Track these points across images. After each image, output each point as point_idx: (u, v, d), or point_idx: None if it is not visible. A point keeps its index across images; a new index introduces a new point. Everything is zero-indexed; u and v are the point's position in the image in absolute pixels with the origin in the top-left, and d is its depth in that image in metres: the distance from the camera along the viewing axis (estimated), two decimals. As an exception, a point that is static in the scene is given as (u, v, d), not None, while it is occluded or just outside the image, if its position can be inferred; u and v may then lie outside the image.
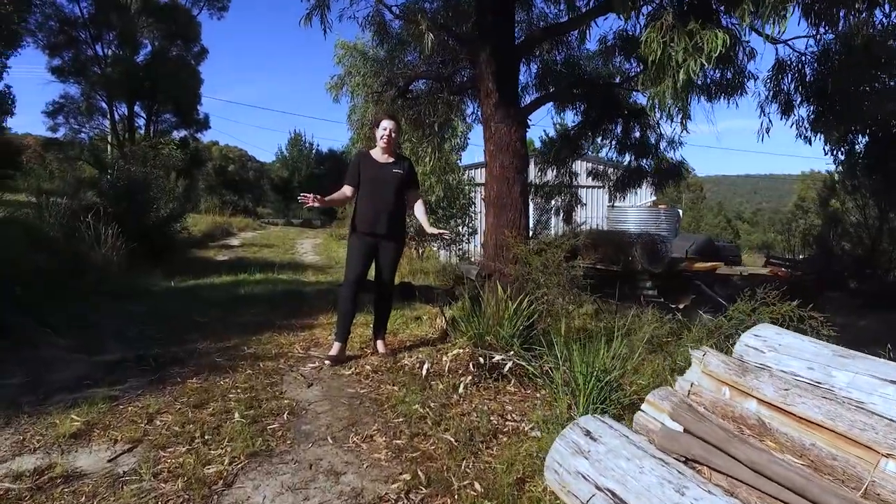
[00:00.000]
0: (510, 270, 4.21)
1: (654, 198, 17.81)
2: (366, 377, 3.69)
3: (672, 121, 3.72)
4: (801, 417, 1.48)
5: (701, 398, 1.82)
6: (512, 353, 3.70)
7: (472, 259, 13.12)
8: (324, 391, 3.44)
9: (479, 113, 6.38)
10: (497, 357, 3.57)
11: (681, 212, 19.61)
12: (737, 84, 5.40)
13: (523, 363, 3.59)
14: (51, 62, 25.22)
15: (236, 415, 2.92)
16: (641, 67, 6.12)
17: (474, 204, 12.80)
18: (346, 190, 4.03)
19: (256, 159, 51.24)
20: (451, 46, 6.09)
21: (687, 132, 3.72)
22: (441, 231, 4.12)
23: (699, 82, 4.91)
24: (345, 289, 4.00)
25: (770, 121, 5.18)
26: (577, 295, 4.11)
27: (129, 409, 2.99)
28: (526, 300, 4.02)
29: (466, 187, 12.49)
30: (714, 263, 5.31)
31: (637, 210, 16.28)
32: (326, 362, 3.92)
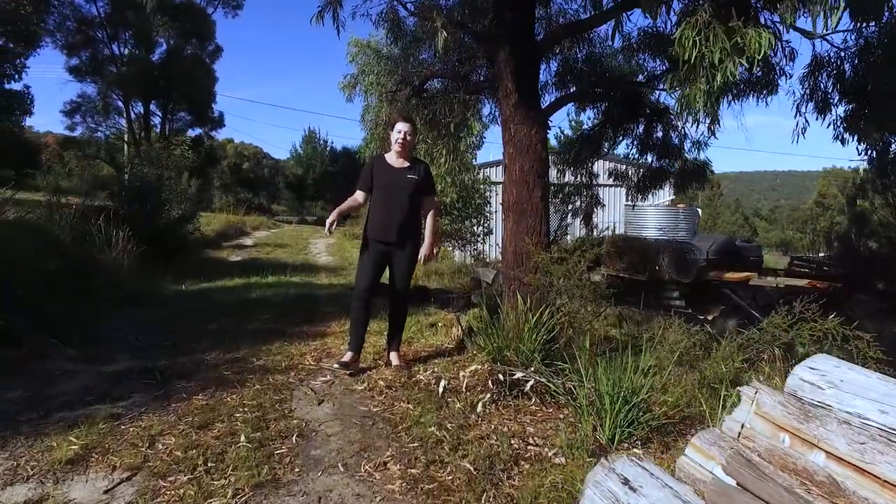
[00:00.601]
0: (530, 280, 4.00)
1: (672, 197, 17.46)
2: (379, 393, 3.52)
3: (698, 125, 3.48)
4: (885, 481, 1.27)
5: (754, 444, 1.61)
6: (532, 369, 3.50)
7: (488, 260, 12.91)
8: (335, 409, 3.28)
9: (497, 113, 6.19)
10: (518, 374, 3.37)
11: (700, 211, 19.17)
12: (767, 82, 5.14)
13: (545, 381, 3.39)
14: (69, 62, 25.49)
15: (242, 437, 2.76)
16: (667, 66, 5.90)
17: (490, 203, 12.58)
18: (358, 196, 3.86)
19: (271, 156, 51.53)
20: (467, 44, 5.88)
21: (715, 137, 3.48)
22: (425, 255, 3.94)
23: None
24: (356, 298, 3.84)
25: (807, 121, 4.91)
26: (600, 305, 3.90)
27: (131, 429, 2.84)
28: (547, 312, 3.82)
29: (482, 186, 12.26)
30: (747, 274, 5.03)
31: (655, 210, 15.94)
32: (335, 366, 3.77)
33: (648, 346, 3.60)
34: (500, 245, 4.81)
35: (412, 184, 3.82)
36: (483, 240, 12.59)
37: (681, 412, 3.40)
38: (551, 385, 3.38)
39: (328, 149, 38.51)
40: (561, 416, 3.32)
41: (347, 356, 3.82)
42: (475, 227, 12.19)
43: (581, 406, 3.20)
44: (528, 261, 4.12)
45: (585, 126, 8.19)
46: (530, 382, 3.34)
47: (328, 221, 3.71)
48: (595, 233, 9.04)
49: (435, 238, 4.05)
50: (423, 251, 3.92)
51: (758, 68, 4.91)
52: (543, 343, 3.71)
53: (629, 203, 16.53)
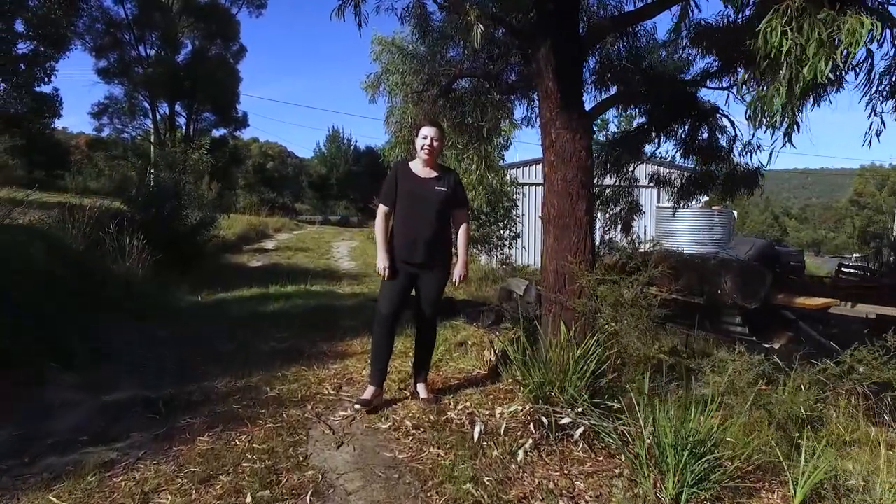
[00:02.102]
0: (574, 304, 3.56)
1: (705, 198, 16.71)
2: (405, 435, 3.11)
3: (774, 130, 2.97)
4: None
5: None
6: (580, 409, 3.06)
7: (515, 265, 12.45)
8: (356, 455, 2.88)
9: (534, 115, 5.75)
10: (566, 419, 2.94)
11: (735, 213, 18.35)
12: (834, 79, 4.59)
13: (596, 424, 2.95)
14: (97, 64, 25.77)
15: (249, 498, 2.38)
16: (719, 64, 5.38)
17: (517, 207, 12.11)
18: (383, 210, 3.45)
19: (295, 155, 51.80)
20: (499, 41, 5.45)
21: (793, 146, 2.97)
22: (460, 276, 3.51)
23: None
24: (378, 326, 3.42)
25: (883, 122, 4.35)
26: (655, 333, 3.44)
27: (123, 483, 2.48)
28: (593, 342, 3.37)
29: (509, 189, 11.77)
30: (826, 300, 4.46)
31: (689, 212, 15.24)
32: (357, 406, 3.36)
33: (718, 390, 3.13)
34: (539, 257, 4.36)
35: (441, 196, 3.39)
36: (510, 244, 12.13)
37: (752, 461, 2.94)
38: (603, 432, 2.94)
39: (352, 148, 38.41)
40: (614, 467, 2.87)
41: (369, 392, 3.42)
42: (502, 232, 11.73)
43: (639, 457, 2.76)
44: (571, 282, 3.67)
45: (612, 125, 7.63)
46: (580, 429, 2.90)
47: (383, 266, 3.34)
48: (641, 246, 8.48)
49: (468, 255, 3.63)
50: (457, 271, 3.50)
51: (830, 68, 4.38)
52: (591, 378, 3.27)
53: (660, 205, 15.89)
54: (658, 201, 16.82)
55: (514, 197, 12.02)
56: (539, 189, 16.55)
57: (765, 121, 2.91)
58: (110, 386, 3.79)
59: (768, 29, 2.49)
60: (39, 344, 4.15)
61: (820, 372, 3.45)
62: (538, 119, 5.77)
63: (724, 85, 4.98)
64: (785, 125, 2.92)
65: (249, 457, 2.76)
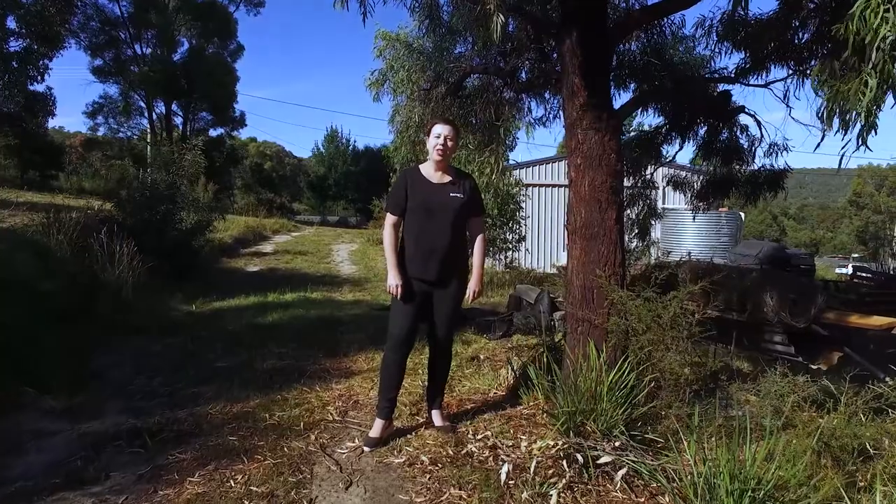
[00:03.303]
0: (605, 323, 3.22)
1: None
2: (422, 472, 2.77)
3: (846, 130, 2.62)
4: None
5: None
6: (618, 443, 2.73)
7: (521, 268, 12.12)
8: (367, 499, 2.54)
9: (552, 115, 5.41)
10: (605, 457, 2.60)
11: (742, 215, 17.98)
12: None
13: (638, 462, 2.61)
14: (92, 62, 25.41)
15: (244, 559, 2.04)
16: (749, 62, 5.04)
17: (522, 209, 11.75)
18: (391, 220, 3.09)
19: (294, 155, 51.51)
20: (512, 35, 5.11)
21: (869, 149, 2.62)
22: (475, 292, 3.13)
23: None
24: (390, 352, 3.06)
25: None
26: (694, 354, 3.11)
27: (99, 540, 2.15)
28: (626, 365, 3.03)
29: (515, 190, 11.40)
30: (890, 320, 4.10)
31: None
32: (367, 449, 2.99)
33: (769, 414, 2.81)
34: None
35: (457, 204, 3.04)
36: (515, 247, 11.77)
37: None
38: (644, 468, 2.61)
39: (350, 148, 38.06)
40: (657, 507, 2.54)
41: (377, 428, 3.05)
42: (507, 234, 11.37)
43: (689, 500, 2.42)
44: (600, 298, 3.33)
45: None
46: (622, 471, 2.56)
47: (396, 284, 2.97)
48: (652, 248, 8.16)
49: (483, 269, 3.27)
50: (471, 286, 3.14)
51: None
52: (626, 406, 2.93)
53: (666, 207, 15.54)
54: (664, 202, 16.46)
55: (520, 199, 11.67)
56: (543, 190, 16.23)
57: (838, 121, 2.55)
58: (93, 412, 3.45)
59: (866, 10, 2.13)
60: (18, 363, 3.82)
61: (877, 398, 3.13)
62: (555, 119, 5.46)
63: (761, 82, 4.63)
64: (860, 125, 2.55)
65: (246, 503, 2.42)
